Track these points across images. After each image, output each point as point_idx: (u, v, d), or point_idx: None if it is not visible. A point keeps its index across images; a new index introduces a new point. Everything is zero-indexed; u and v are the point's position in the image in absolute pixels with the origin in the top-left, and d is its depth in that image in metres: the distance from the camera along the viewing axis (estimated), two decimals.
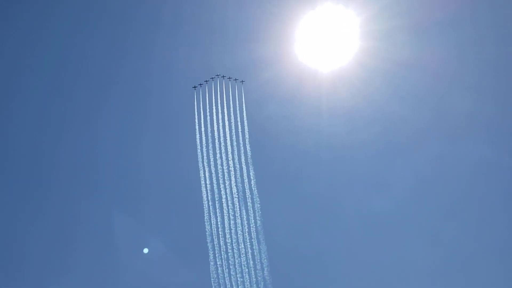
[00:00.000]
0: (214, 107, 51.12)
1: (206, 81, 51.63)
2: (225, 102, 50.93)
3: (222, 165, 49.97)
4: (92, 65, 56.18)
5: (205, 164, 50.35)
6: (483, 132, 49.52)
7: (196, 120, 51.29)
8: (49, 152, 54.43)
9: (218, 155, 50.30)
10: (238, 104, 50.40)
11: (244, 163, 49.79)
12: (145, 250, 51.49)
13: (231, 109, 50.65)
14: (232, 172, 49.56)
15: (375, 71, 51.87)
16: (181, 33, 54.41)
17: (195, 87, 51.54)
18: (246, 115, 50.13)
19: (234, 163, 49.86)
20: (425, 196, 50.14)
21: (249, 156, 49.72)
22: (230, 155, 50.12)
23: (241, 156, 49.92)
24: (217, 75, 51.07)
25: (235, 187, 49.30)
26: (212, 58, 51.74)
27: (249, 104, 49.83)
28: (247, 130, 50.05)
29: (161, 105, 54.21)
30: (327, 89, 52.08)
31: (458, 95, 50.31)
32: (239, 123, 50.33)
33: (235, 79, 48.67)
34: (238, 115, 50.36)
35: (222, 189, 49.45)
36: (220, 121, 50.96)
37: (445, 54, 50.06)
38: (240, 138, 50.16)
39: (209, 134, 51.01)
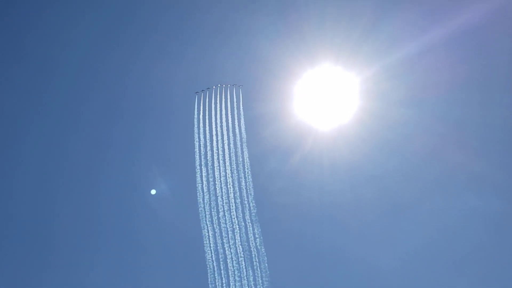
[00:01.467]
0: (216, 170, 50.79)
1: (208, 141, 51.77)
2: (227, 160, 50.75)
3: (226, 222, 48.94)
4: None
5: (208, 223, 49.25)
6: (487, 185, 49.87)
7: (198, 178, 50.68)
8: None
9: (221, 213, 49.37)
10: (242, 159, 50.25)
11: (249, 221, 48.90)
12: None
13: (234, 165, 50.40)
14: (237, 231, 48.49)
15: (374, 130, 52.65)
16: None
17: (197, 141, 51.55)
18: (250, 169, 49.88)
19: (238, 221, 48.90)
20: (432, 251, 49.46)
21: (254, 213, 48.93)
22: (234, 213, 49.20)
23: (245, 213, 49.05)
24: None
25: (240, 246, 47.99)
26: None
27: (252, 159, 49.87)
28: (251, 186, 49.53)
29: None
30: (328, 147, 52.55)
31: (457, 151, 51.14)
32: (242, 179, 49.85)
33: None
34: (242, 170, 50.03)
35: (226, 248, 48.07)
36: (223, 179, 50.47)
37: (444, 113, 51.45)
38: (244, 194, 49.52)
39: (212, 193, 50.31)
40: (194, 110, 52.10)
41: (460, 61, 52.46)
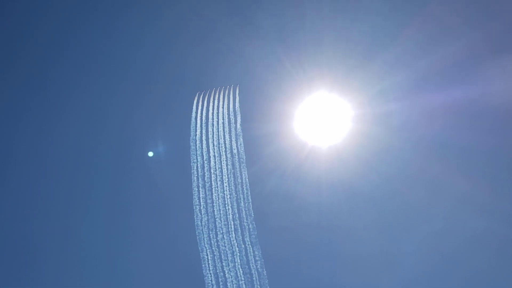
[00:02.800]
0: (214, 191, 49.57)
1: (205, 160, 50.67)
2: (225, 181, 49.60)
3: (225, 244, 47.25)
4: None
5: (207, 245, 47.46)
6: (490, 209, 49.96)
7: (195, 199, 49.25)
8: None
9: (220, 235, 47.71)
10: (241, 180, 49.18)
11: (249, 243, 47.32)
12: None
13: (233, 186, 49.24)
14: (237, 253, 46.78)
15: (369, 151, 52.87)
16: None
17: (195, 168, 50.37)
18: (249, 190, 48.77)
19: (238, 243, 47.28)
20: (433, 275, 48.72)
21: (254, 235, 47.46)
22: (233, 234, 47.64)
23: (245, 234, 47.53)
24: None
25: (240, 268, 46.20)
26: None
27: (252, 179, 48.99)
28: (251, 207, 48.29)
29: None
30: (326, 168, 52.25)
31: (456, 175, 51.43)
32: (241, 200, 48.62)
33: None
34: (240, 191, 48.89)
35: (226, 271, 46.18)
36: (221, 200, 49.14)
37: (439, 138, 52.03)
38: (244, 215, 48.16)
39: (210, 215, 48.80)
40: (190, 131, 51.26)
41: (455, 88, 54.21)
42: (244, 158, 49.27)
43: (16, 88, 55.93)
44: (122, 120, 53.56)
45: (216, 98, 50.83)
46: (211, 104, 50.93)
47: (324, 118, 55.18)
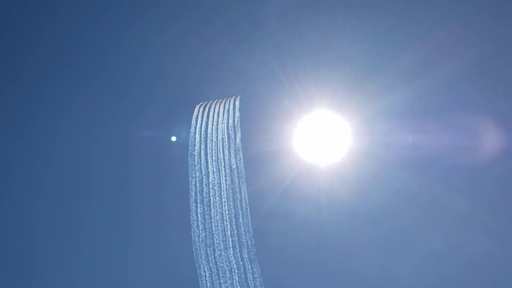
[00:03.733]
0: (213, 206, 48.74)
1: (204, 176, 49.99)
2: (223, 197, 48.81)
3: (223, 261, 46.13)
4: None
5: (204, 262, 46.31)
6: (490, 229, 49.48)
7: (193, 214, 48.33)
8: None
9: (218, 252, 46.63)
10: (240, 197, 48.39)
11: (247, 260, 46.23)
12: None
13: (232, 203, 48.41)
14: (235, 270, 45.66)
15: (368, 170, 52.54)
16: None
17: (193, 183, 49.59)
18: (249, 207, 47.96)
19: (236, 260, 46.18)
20: None
21: (252, 252, 46.43)
22: (231, 251, 46.57)
23: (243, 251, 46.48)
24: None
25: (238, 286, 45.03)
26: None
27: (251, 197, 48.26)
28: (250, 223, 47.39)
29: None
30: (325, 186, 51.72)
31: (454, 194, 51.22)
32: (240, 215, 47.75)
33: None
34: (240, 206, 48.05)
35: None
36: (219, 217, 48.24)
37: (440, 157, 51.96)
38: (242, 232, 47.21)
39: (207, 231, 47.80)
40: (188, 145, 50.70)
41: (454, 106, 54.58)
42: (244, 173, 48.62)
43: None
44: (121, 134, 53.29)
45: (216, 111, 50.43)
46: (210, 118, 50.53)
47: (323, 136, 55.17)
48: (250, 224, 46.60)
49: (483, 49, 54.42)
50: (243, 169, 48.83)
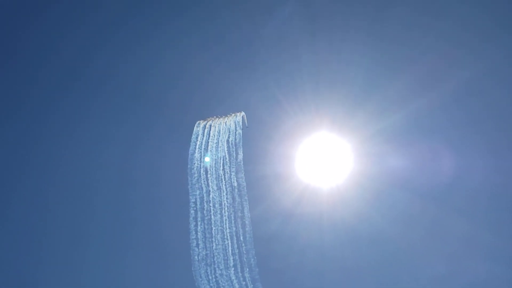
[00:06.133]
0: (214, 224, 47.30)
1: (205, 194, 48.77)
2: (224, 215, 47.52)
3: (224, 280, 44.33)
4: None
5: (204, 281, 44.43)
6: (493, 253, 48.71)
7: (192, 232, 46.75)
8: None
9: (218, 271, 44.85)
10: (241, 216, 47.11)
11: (249, 279, 44.51)
12: None
13: (233, 221, 47.06)
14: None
15: (370, 192, 51.97)
16: None
17: (193, 201, 48.30)
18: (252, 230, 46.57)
19: (238, 280, 44.43)
20: None
21: (255, 272, 44.77)
22: (232, 270, 44.85)
23: (245, 269, 44.79)
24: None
25: None
26: None
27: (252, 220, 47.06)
28: (252, 244, 45.90)
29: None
30: (328, 208, 50.90)
31: (456, 216, 50.61)
32: (240, 234, 46.29)
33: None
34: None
35: None
36: (220, 235, 46.74)
37: (440, 174, 51.72)
38: (244, 251, 45.65)
39: (208, 250, 46.17)
40: (187, 165, 49.71)
41: (453, 126, 54.83)
42: (246, 191, 47.49)
43: None
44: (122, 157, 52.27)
45: (217, 128, 49.78)
46: (211, 135, 49.79)
47: (325, 159, 54.66)
48: (252, 242, 45.17)
49: (476, 70, 55.50)
50: (245, 187, 47.76)
